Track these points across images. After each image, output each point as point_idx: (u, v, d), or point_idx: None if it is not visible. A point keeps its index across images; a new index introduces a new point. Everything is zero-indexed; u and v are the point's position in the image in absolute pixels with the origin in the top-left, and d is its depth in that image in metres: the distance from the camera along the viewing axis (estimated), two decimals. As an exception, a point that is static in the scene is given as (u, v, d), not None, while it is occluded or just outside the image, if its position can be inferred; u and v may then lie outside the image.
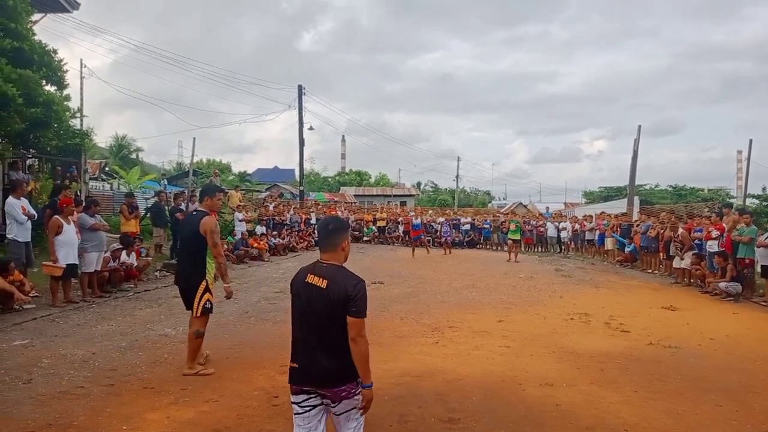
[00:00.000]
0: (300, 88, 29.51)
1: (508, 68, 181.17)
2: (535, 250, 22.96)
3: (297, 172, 33.14)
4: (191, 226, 5.25)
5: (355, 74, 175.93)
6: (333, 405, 2.75)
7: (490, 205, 61.70)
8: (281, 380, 5.14)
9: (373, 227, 25.57)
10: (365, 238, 24.84)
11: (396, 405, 4.59)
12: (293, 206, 24.61)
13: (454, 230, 23.74)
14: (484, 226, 24.58)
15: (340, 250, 2.84)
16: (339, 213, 26.45)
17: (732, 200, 35.42)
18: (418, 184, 70.87)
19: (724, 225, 11.77)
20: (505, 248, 20.18)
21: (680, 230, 13.61)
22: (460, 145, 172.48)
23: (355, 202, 42.55)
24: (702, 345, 6.92)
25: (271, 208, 21.53)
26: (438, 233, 23.38)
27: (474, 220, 25.85)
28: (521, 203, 57.26)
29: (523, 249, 21.96)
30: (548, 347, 6.63)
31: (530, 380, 5.32)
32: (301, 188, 31.58)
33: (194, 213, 5.51)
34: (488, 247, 24.05)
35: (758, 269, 10.82)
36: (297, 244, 19.42)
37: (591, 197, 54.08)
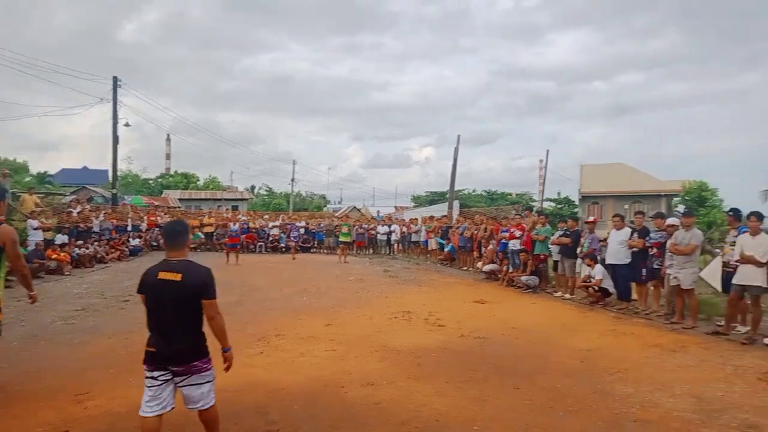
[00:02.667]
0: (115, 79, 26.66)
1: (346, 74, 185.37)
2: (367, 252, 23.73)
3: (110, 173, 29.76)
4: None
5: (183, 70, 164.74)
6: (183, 378, 3.32)
7: (325, 208, 62.42)
8: (75, 412, 4.49)
9: (200, 233, 24.02)
10: (191, 246, 23.25)
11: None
12: (103, 212, 22.06)
13: (285, 235, 23.70)
14: (318, 229, 24.72)
15: (186, 248, 3.44)
16: (159, 218, 24.41)
17: (534, 203, 40.63)
18: (252, 187, 68.91)
19: (524, 225, 13.37)
20: (338, 252, 20.54)
21: (490, 246, 14.96)
22: (298, 148, 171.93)
23: (179, 207, 39.62)
24: (505, 334, 7.71)
25: (75, 213, 18.96)
26: (270, 238, 22.97)
27: (308, 223, 25.84)
28: (355, 207, 58.99)
29: (355, 251, 22.59)
30: (372, 347, 6.80)
31: (353, 382, 5.38)
32: (114, 191, 28.46)
33: None
34: (322, 250, 24.23)
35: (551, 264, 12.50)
36: (107, 255, 17.34)
37: (419, 201, 57.87)
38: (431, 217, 22.57)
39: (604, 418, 4.48)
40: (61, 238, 15.33)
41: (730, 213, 8.80)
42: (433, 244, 20.06)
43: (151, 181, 61.36)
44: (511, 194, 56.04)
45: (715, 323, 8.23)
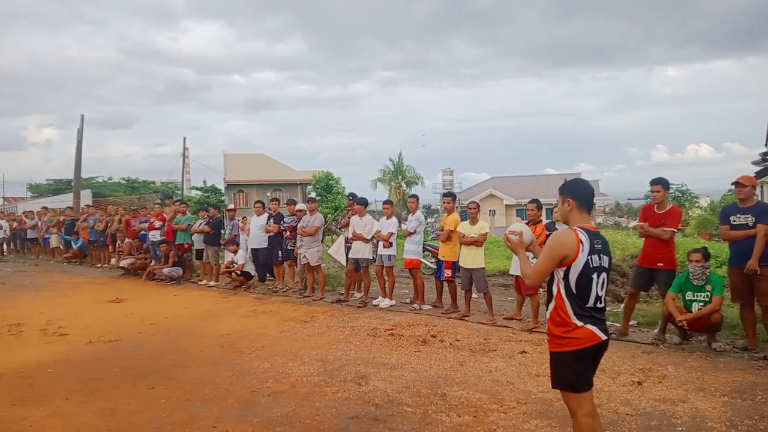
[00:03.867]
0: None
1: None
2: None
3: None
4: None
5: None
6: None
7: None
8: None
9: None
10: None
11: None
12: None
13: None
14: None
15: None
16: None
17: (179, 192, 39.18)
18: None
19: (165, 215, 12.71)
20: None
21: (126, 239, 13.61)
22: None
23: None
24: (142, 332, 7.16)
25: None
26: None
27: None
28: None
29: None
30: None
31: None
32: None
33: None
34: None
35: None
36: None
37: (38, 191, 48.49)
38: (45, 208, 19.08)
39: (240, 398, 4.61)
40: None
41: (350, 197, 10.35)
42: (54, 240, 17.14)
43: None
44: (154, 182, 52.62)
45: (338, 293, 9.56)
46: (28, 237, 18.32)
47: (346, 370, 5.34)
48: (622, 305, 7.31)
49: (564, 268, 2.81)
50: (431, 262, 12.72)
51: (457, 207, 10.31)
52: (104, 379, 5.20)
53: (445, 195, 8.70)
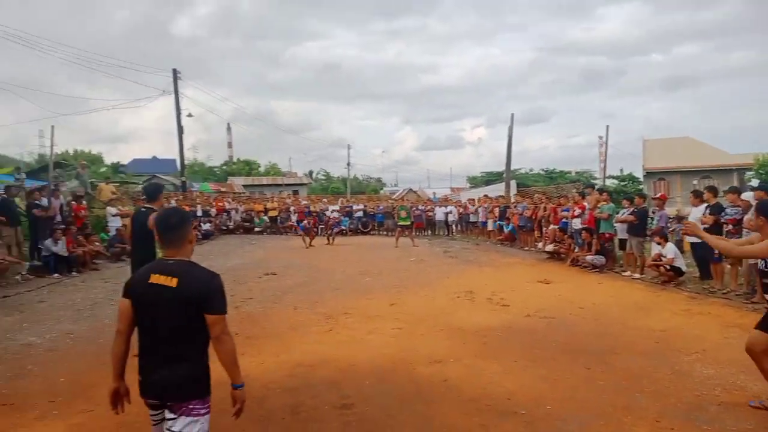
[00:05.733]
0: (175, 72, 27.70)
1: (393, 59, 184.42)
2: (425, 233, 23.76)
3: (178, 162, 31.10)
4: (142, 221, 5.42)
5: (237, 61, 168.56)
6: (171, 417, 2.46)
7: (382, 191, 62.75)
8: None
9: (265, 217, 24.90)
10: (257, 229, 24.13)
11: (289, 396, 4.51)
12: (174, 199, 23.20)
13: (347, 218, 24.03)
14: (378, 212, 25.00)
15: (186, 243, 2.60)
16: (227, 204, 25.44)
17: (595, 181, 39.19)
18: (310, 172, 70.14)
19: (585, 204, 12.98)
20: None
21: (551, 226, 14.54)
22: (351, 133, 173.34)
23: (244, 193, 41.07)
24: (573, 314, 7.58)
25: (149, 200, 20.07)
26: (329, 222, 23.24)
27: (366, 206, 26.15)
28: (411, 189, 58.97)
29: (414, 233, 22.63)
30: (437, 326, 6.89)
31: (420, 359, 5.49)
32: (183, 179, 29.80)
33: (143, 210, 5.80)
34: (382, 233, 24.47)
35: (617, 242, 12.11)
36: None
37: (474, 182, 57.10)
38: (486, 197, 22.30)
39: (685, 399, 4.36)
40: (137, 224, 16.29)
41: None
42: (491, 224, 19.85)
43: (216, 169, 63.68)
44: (570, 172, 54.15)
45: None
46: (470, 220, 21.89)
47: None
48: None
49: None
50: None
51: None
52: (543, 351, 5.79)
53: None
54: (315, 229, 20.46)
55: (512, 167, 28.94)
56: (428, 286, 9.98)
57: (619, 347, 5.88)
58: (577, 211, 12.92)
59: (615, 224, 11.74)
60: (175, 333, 2.45)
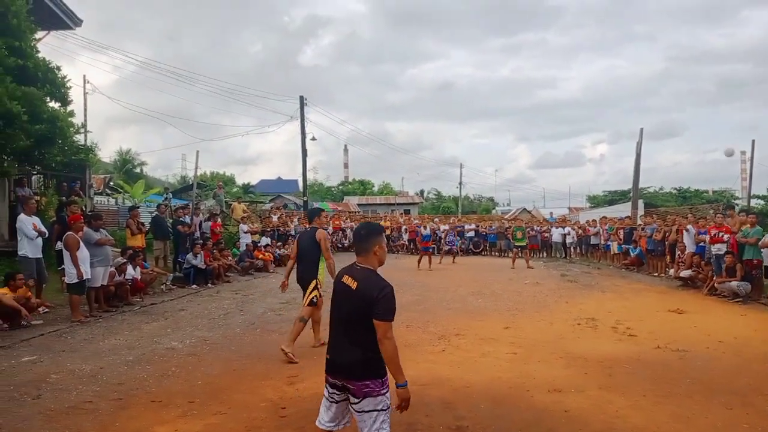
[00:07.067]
0: (302, 99, 29.67)
1: (508, 75, 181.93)
2: (540, 255, 22.90)
3: (300, 183, 33.10)
4: (309, 238, 6.61)
5: (356, 85, 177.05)
6: (356, 401, 2.89)
7: (494, 211, 61.62)
8: (289, 392, 5.15)
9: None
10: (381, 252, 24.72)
11: (404, 414, 4.54)
12: (297, 216, 24.65)
13: (459, 238, 23.70)
14: (490, 232, 24.55)
15: (372, 254, 3.03)
16: (342, 222, 26.51)
17: (736, 201, 35.29)
18: (422, 191, 70.89)
19: (729, 227, 11.73)
20: (510, 254, 20.06)
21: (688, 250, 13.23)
22: (463, 152, 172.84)
23: (358, 211, 42.59)
24: (710, 348, 6.88)
25: (275, 219, 21.56)
26: (442, 241, 23.21)
27: (478, 226, 25.84)
28: (525, 209, 57.21)
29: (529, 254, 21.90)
30: (555, 353, 6.61)
31: (538, 386, 5.30)
32: (305, 198, 31.60)
33: (308, 228, 6.91)
34: (494, 253, 23.99)
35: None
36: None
37: (595, 201, 53.89)
38: (604, 218, 20.96)
39: None
40: (265, 240, 17.61)
41: None
42: (614, 247, 18.62)
43: (333, 189, 66.87)
44: (706, 191, 49.09)
45: None
46: (591, 243, 20.70)
47: None
48: None
49: None
50: None
51: None
52: (676, 386, 5.31)
53: None
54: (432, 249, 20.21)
55: (640, 185, 26.93)
56: (545, 310, 9.60)
57: (766, 387, 5.22)
58: (721, 235, 11.67)
59: (762, 250, 10.48)
60: (354, 325, 2.91)
